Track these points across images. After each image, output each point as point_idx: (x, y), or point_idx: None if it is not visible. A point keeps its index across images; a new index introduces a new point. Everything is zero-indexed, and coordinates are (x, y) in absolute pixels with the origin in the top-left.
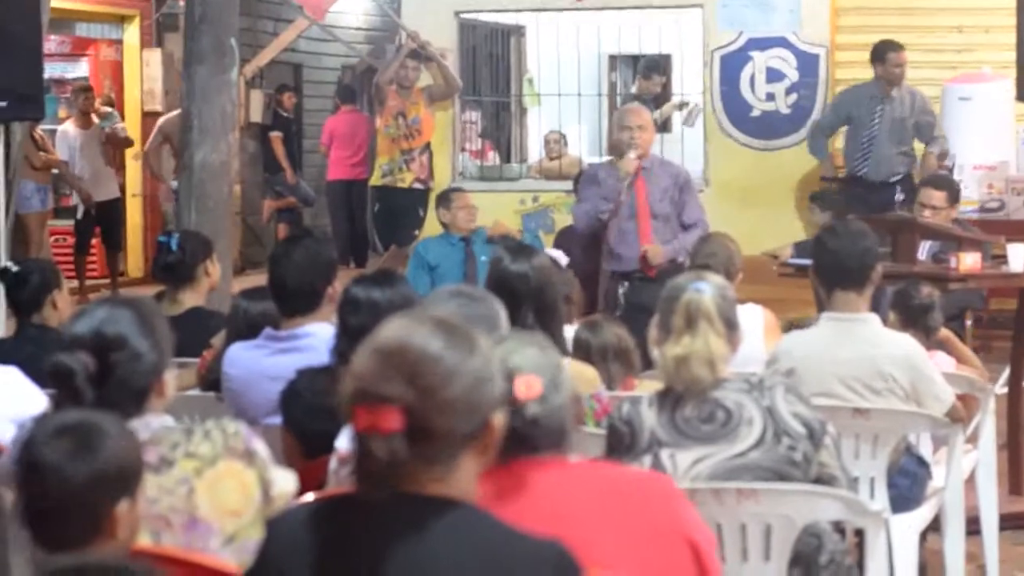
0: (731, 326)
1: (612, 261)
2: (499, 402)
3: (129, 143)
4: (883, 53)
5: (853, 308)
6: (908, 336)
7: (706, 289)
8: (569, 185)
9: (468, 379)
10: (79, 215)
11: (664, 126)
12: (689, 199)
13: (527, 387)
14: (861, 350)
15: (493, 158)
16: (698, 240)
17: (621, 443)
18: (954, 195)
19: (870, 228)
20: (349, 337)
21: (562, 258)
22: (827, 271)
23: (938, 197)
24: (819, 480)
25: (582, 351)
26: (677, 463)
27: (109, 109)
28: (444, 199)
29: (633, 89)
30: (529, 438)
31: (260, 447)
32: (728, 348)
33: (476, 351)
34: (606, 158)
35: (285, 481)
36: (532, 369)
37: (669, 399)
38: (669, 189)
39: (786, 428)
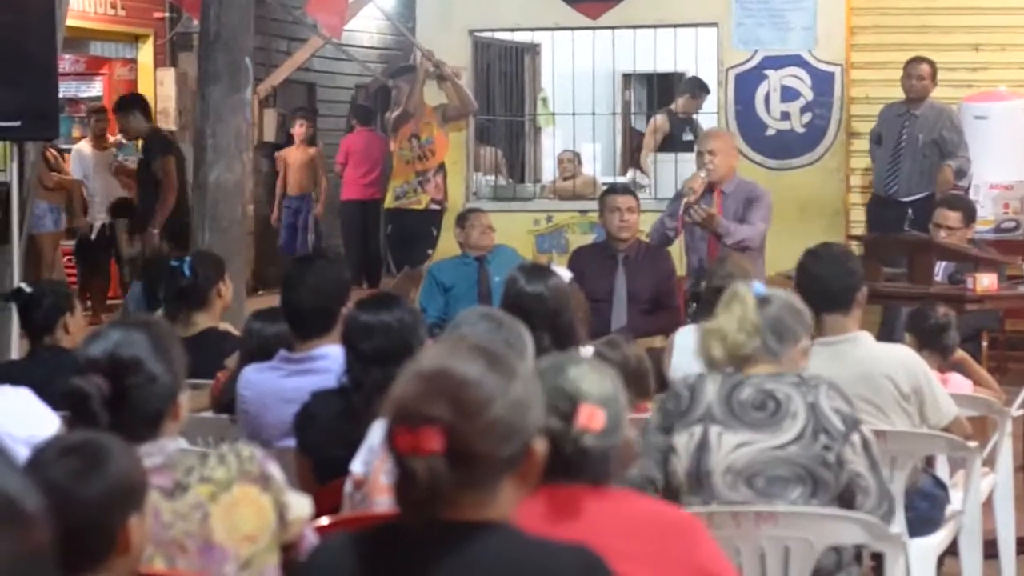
0: (779, 333)
1: (690, 276)
2: (539, 429)
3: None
4: (905, 65)
5: (841, 330)
6: (903, 346)
7: (760, 288)
8: (583, 205)
9: (508, 403)
10: (93, 236)
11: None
12: (755, 210)
13: (590, 418)
14: (858, 368)
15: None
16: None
17: (678, 407)
18: (970, 215)
19: (851, 250)
20: (364, 363)
21: (566, 274)
22: (811, 296)
23: (953, 217)
24: (849, 490)
25: None
26: (723, 442)
27: (126, 141)
28: (461, 218)
29: (674, 106)
30: (574, 466)
31: (275, 471)
32: (758, 339)
33: (516, 377)
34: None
35: (301, 505)
36: (601, 401)
37: (729, 380)
38: (739, 210)
39: (825, 424)
